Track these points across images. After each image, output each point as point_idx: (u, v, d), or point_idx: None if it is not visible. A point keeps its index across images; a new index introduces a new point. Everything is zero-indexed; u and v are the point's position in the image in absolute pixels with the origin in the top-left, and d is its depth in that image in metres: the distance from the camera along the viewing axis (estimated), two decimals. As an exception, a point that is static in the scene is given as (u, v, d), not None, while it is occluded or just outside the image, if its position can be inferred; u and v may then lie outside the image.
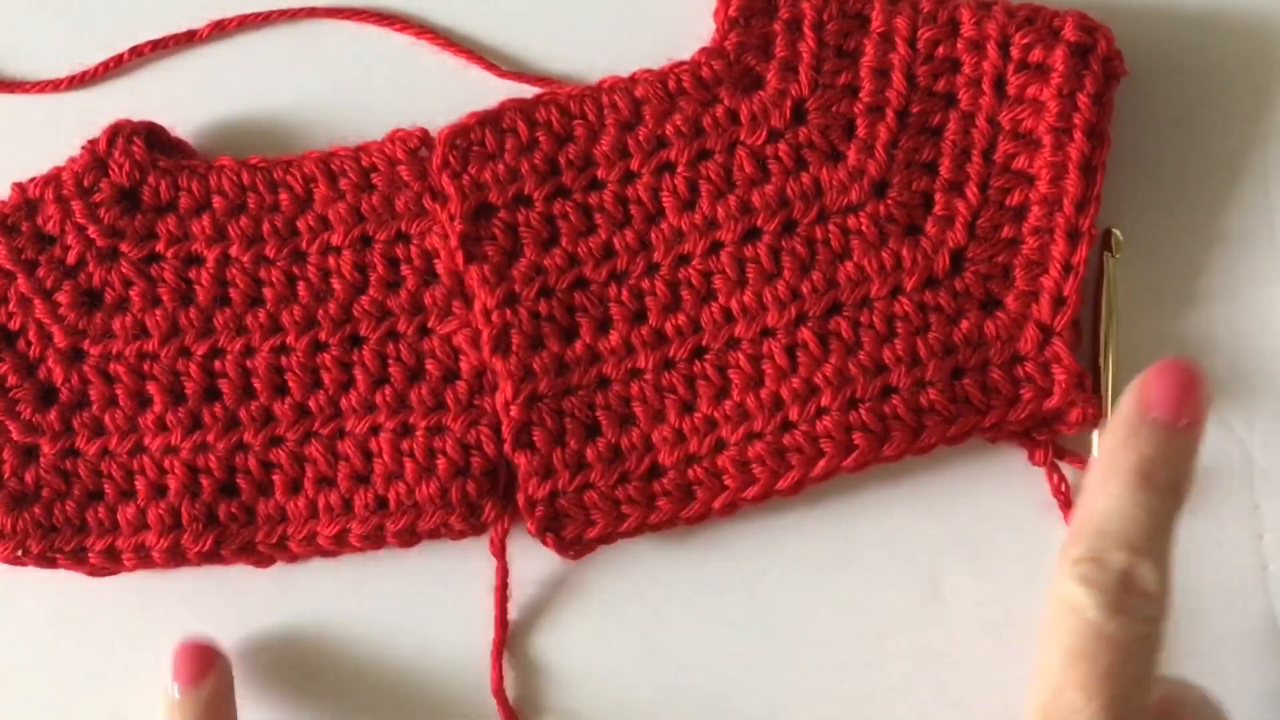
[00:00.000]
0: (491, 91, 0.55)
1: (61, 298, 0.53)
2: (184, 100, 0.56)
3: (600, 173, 0.53)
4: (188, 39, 0.56)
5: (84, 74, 0.56)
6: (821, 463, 0.52)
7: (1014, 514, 0.55)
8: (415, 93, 0.56)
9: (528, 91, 0.55)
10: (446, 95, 0.55)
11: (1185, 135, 0.55)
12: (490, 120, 0.53)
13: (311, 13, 0.56)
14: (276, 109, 0.56)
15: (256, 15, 0.56)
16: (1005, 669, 0.54)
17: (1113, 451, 0.45)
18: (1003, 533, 0.55)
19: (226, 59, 0.56)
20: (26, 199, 0.53)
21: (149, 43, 0.56)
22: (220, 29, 0.56)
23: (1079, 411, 0.52)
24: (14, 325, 0.53)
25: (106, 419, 0.52)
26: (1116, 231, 0.54)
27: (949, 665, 0.54)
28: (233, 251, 0.53)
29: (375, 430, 0.52)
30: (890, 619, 0.55)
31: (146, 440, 0.52)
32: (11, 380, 0.52)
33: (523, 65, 0.56)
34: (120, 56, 0.56)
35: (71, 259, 0.53)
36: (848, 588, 0.55)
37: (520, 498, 0.52)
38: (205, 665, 0.51)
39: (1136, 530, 0.44)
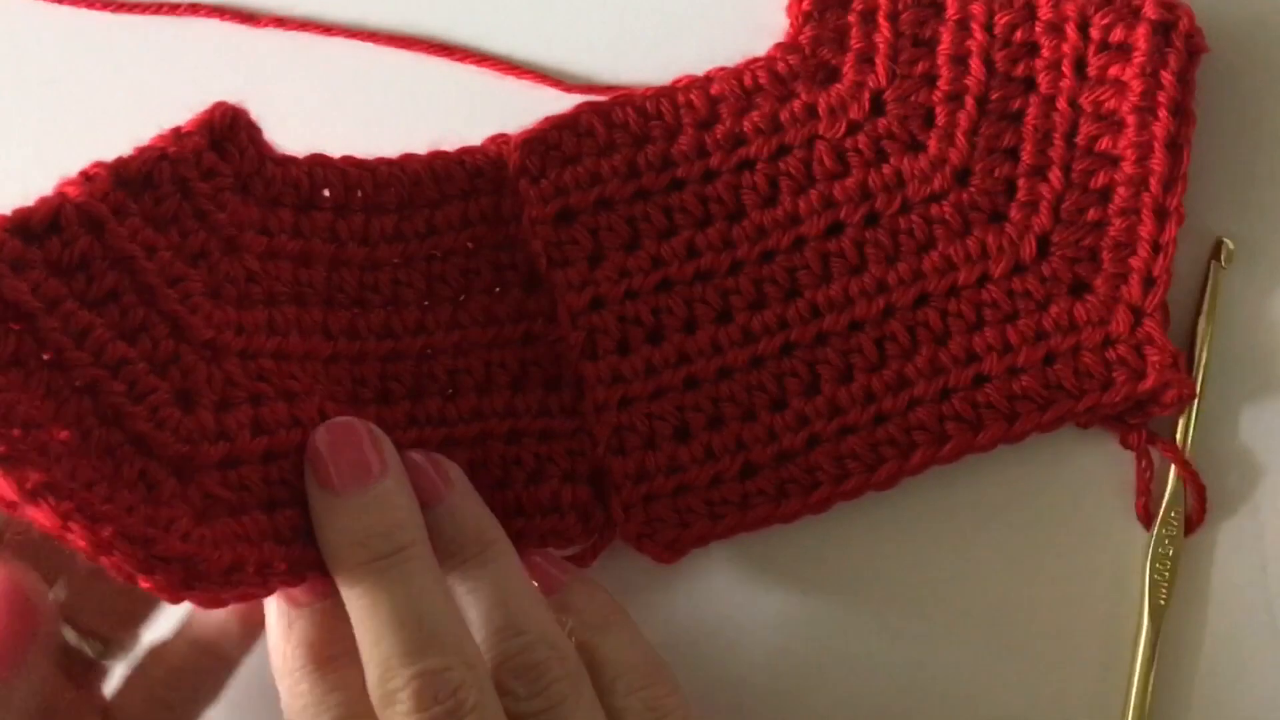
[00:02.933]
0: (560, 108, 0.54)
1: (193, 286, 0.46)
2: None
3: (680, 172, 0.53)
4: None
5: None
6: (916, 454, 0.51)
7: (1090, 497, 0.54)
8: (486, 119, 0.54)
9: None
10: (520, 119, 0.54)
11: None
12: (567, 124, 0.53)
13: (372, 37, 0.56)
14: (332, 139, 0.54)
15: (316, 25, 0.56)
16: (1074, 660, 0.54)
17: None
18: (1080, 517, 0.54)
19: (286, 89, 0.56)
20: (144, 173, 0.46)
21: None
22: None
23: (1174, 392, 0.51)
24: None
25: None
26: (1228, 241, 0.54)
27: (1023, 657, 0.54)
28: (347, 254, 0.51)
29: (483, 438, 0.51)
30: (965, 602, 0.54)
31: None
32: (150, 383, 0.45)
33: (589, 77, 0.56)
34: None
35: (194, 246, 0.47)
36: (920, 574, 0.54)
37: (614, 503, 0.52)
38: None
39: None
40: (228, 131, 0.48)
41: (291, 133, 0.54)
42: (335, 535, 0.44)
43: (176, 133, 0.47)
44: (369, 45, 0.56)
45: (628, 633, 0.48)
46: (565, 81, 0.55)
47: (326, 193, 0.50)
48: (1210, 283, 0.54)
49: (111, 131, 0.54)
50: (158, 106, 0.55)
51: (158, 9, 0.56)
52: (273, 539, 0.44)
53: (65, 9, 0.57)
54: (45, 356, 0.42)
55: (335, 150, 0.52)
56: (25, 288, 0.42)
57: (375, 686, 0.42)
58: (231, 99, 0.53)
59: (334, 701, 0.43)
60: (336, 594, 0.44)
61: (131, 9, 0.56)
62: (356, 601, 0.43)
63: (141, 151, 0.46)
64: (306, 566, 0.45)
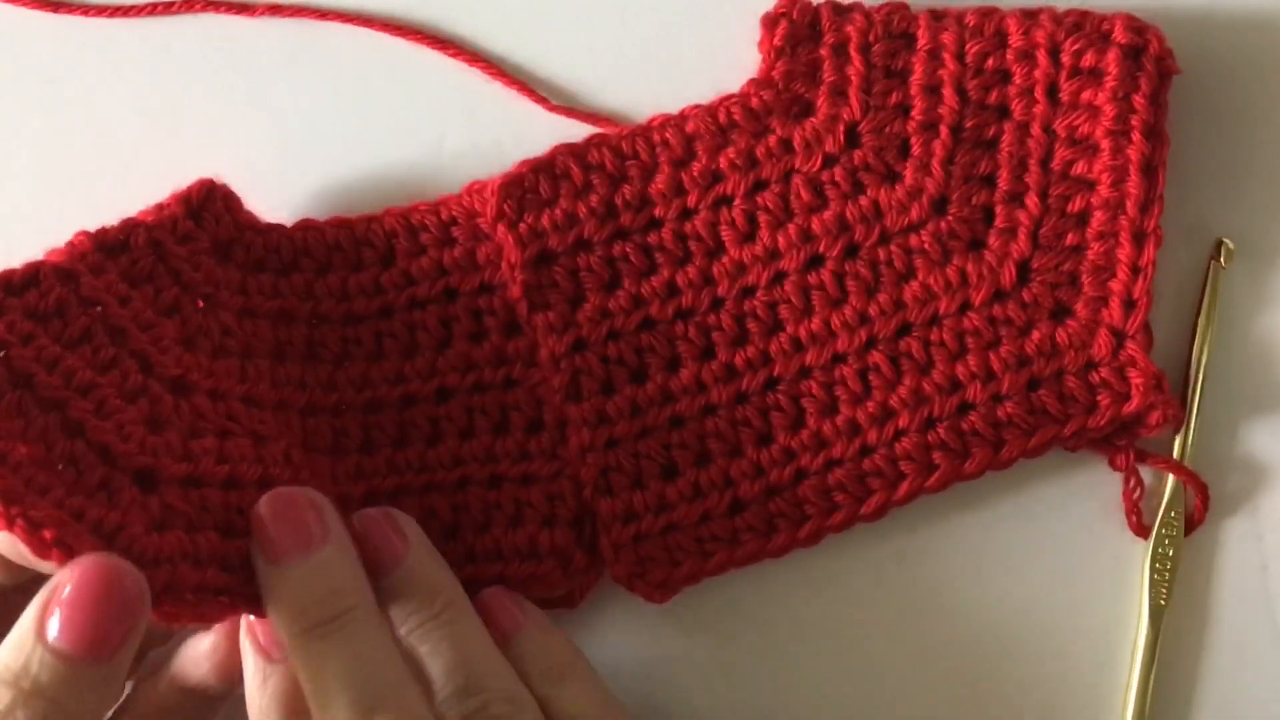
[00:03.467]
0: (539, 121, 0.55)
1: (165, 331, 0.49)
2: (233, 102, 0.56)
3: (658, 211, 0.53)
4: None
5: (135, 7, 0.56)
6: (904, 485, 0.51)
7: (1090, 498, 0.54)
8: (468, 117, 0.56)
9: (577, 126, 0.55)
10: (499, 123, 0.55)
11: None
12: (543, 167, 0.53)
13: (368, 23, 0.56)
14: (324, 125, 0.56)
15: (311, 10, 0.56)
16: (1074, 661, 0.54)
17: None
18: (1079, 517, 0.54)
19: (280, 77, 0.57)
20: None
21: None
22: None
23: (1159, 414, 0.51)
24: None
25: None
26: (1228, 241, 0.54)
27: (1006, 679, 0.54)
28: (323, 309, 0.52)
29: (464, 483, 0.52)
30: (965, 604, 0.54)
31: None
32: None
33: (569, 96, 0.56)
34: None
35: (168, 300, 0.50)
36: (919, 577, 0.55)
37: (604, 544, 0.52)
38: None
39: None
40: (204, 203, 0.51)
41: (288, 118, 0.56)
42: (278, 604, 0.44)
43: (157, 207, 0.51)
44: (365, 31, 0.56)
45: (584, 682, 0.49)
46: (549, 99, 0.56)
47: (306, 262, 0.52)
48: (1210, 282, 0.54)
49: (114, 131, 0.57)
50: (157, 103, 0.57)
51: (153, 9, 0.56)
52: (219, 564, 0.45)
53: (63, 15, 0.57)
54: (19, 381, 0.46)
55: (327, 137, 0.55)
56: (1, 325, 0.45)
57: None
58: (233, 92, 0.56)
59: None
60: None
61: (127, 12, 0.56)
62: (303, 668, 0.44)
63: (122, 222, 0.50)
64: (246, 600, 0.46)
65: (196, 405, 0.48)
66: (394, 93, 0.56)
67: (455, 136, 0.56)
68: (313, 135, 0.56)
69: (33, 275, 0.47)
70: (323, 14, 0.56)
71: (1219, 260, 0.54)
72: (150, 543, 0.44)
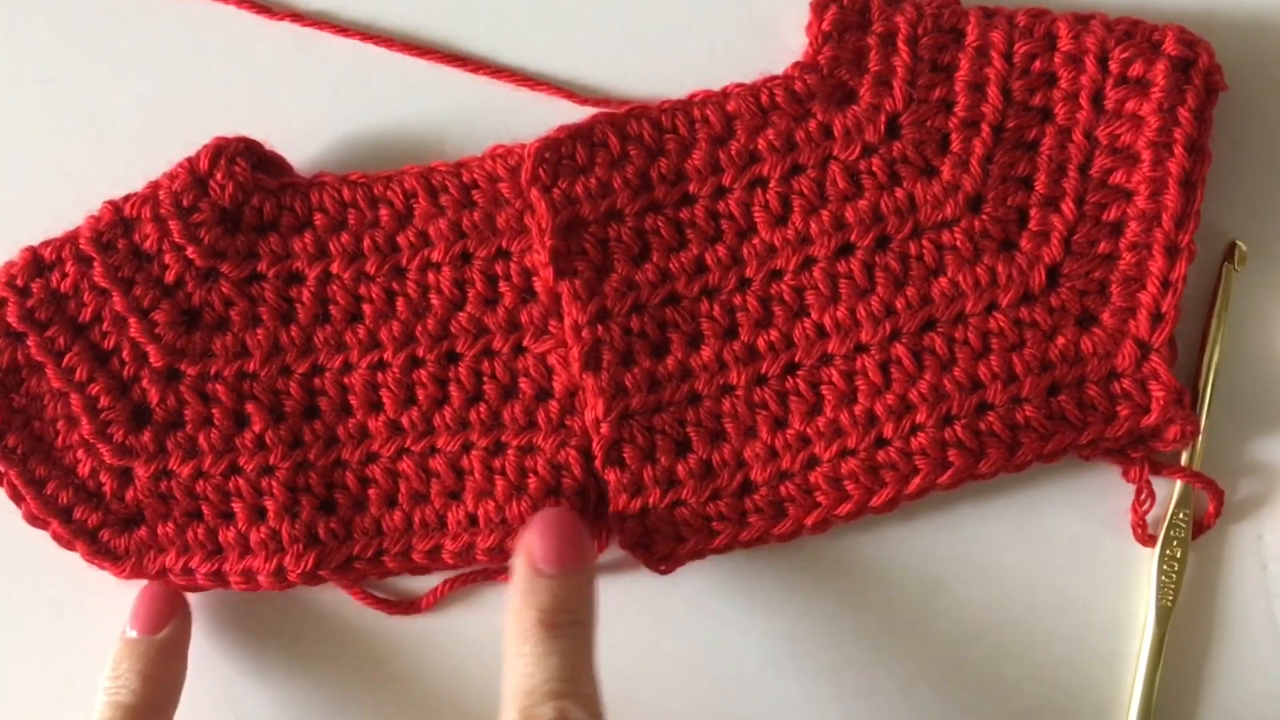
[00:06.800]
0: (565, 118, 0.54)
1: (158, 316, 0.52)
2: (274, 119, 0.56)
3: (692, 187, 0.53)
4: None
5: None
6: (916, 480, 0.51)
7: (1100, 498, 0.55)
8: (500, 130, 0.55)
9: (615, 114, 0.54)
10: (532, 131, 0.54)
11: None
12: (581, 134, 0.53)
13: (387, 43, 0.56)
14: (325, 126, 0.56)
15: (331, 25, 0.56)
16: (1080, 661, 0.54)
17: (517, 612, 0.48)
18: (1088, 516, 0.55)
19: (301, 89, 0.56)
20: (123, 217, 0.52)
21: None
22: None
23: (1177, 429, 0.51)
24: (108, 345, 0.52)
25: (201, 439, 0.52)
26: (1241, 244, 0.54)
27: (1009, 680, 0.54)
28: (334, 269, 0.53)
29: (467, 447, 0.52)
30: (973, 605, 0.55)
31: (242, 461, 0.52)
32: (104, 402, 0.52)
33: (607, 93, 0.55)
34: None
35: (169, 278, 0.52)
36: (925, 577, 0.55)
37: (610, 515, 0.52)
38: (166, 613, 0.52)
39: (556, 677, 0.46)
40: (210, 169, 0.52)
41: (296, 134, 0.55)
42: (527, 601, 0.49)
43: (168, 175, 0.53)
44: (383, 50, 0.56)
45: None
46: (580, 94, 0.55)
47: (319, 219, 0.53)
48: (1223, 284, 0.54)
49: (115, 127, 0.56)
50: (159, 100, 0.56)
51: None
52: (178, 548, 0.52)
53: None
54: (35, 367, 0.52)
55: (341, 154, 0.54)
56: (17, 315, 0.51)
57: None
58: (237, 89, 0.56)
59: (551, 662, 0.47)
60: (572, 573, 0.49)
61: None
62: (531, 653, 0.48)
63: (143, 191, 0.53)
64: (210, 578, 0.52)
65: (179, 393, 0.52)
66: (415, 112, 0.56)
67: (456, 138, 0.55)
68: (313, 135, 0.56)
69: (55, 256, 0.52)
70: (343, 30, 0.56)
71: (1232, 263, 0.54)
72: (119, 542, 0.52)
